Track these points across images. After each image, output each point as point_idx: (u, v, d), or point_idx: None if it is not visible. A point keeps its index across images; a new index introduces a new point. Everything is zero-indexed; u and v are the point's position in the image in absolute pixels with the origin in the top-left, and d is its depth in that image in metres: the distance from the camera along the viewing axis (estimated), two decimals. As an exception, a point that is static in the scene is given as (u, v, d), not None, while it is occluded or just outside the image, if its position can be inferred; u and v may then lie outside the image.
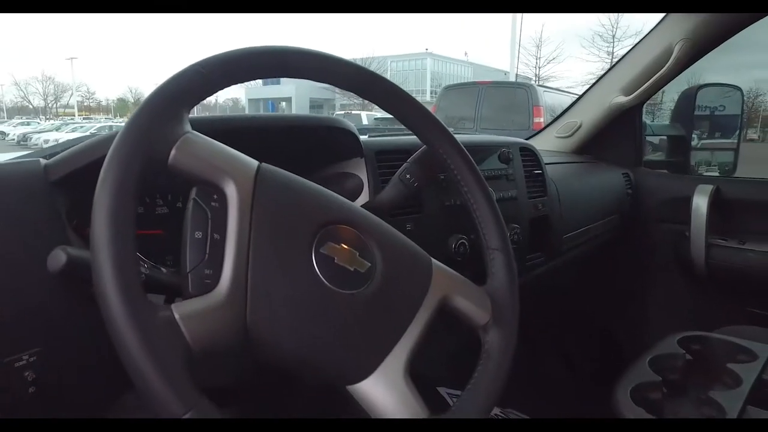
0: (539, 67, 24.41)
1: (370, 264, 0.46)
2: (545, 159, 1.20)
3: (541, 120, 5.56)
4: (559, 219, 1.06)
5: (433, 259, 0.53)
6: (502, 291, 0.55)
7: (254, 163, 0.45)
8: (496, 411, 1.27)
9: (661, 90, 1.44)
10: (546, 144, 1.54)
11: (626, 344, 0.77)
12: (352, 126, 0.71)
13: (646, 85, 1.36)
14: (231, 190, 0.41)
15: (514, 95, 6.16)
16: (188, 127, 0.42)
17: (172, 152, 0.39)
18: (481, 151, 0.92)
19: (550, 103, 5.97)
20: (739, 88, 1.69)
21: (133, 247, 0.36)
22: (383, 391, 0.43)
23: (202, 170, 0.41)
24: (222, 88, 0.45)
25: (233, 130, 0.58)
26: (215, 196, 0.41)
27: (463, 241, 0.82)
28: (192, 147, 0.41)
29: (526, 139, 1.59)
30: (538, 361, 1.39)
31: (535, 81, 22.01)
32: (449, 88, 7.24)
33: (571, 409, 0.99)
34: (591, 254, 1.28)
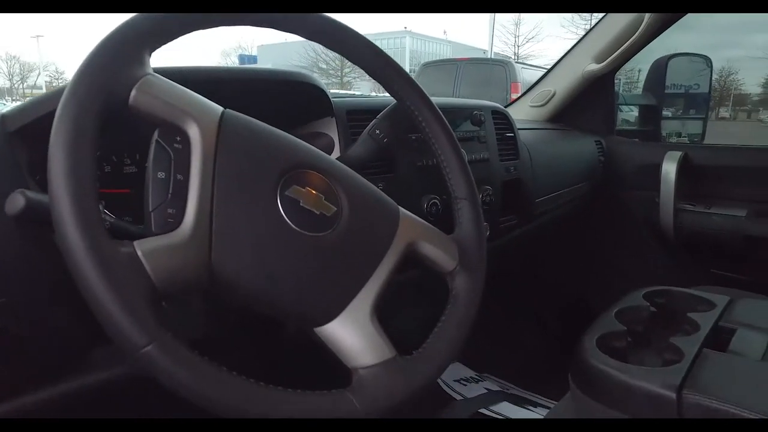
0: (518, 46, 24.42)
1: (336, 208, 0.46)
2: (519, 125, 1.21)
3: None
4: (532, 182, 1.08)
5: (401, 208, 0.53)
6: (469, 239, 0.56)
7: (218, 108, 0.44)
8: (472, 374, 1.30)
9: (633, 59, 1.46)
10: (521, 113, 1.55)
11: (596, 303, 0.80)
12: (321, 82, 0.71)
13: (617, 52, 1.37)
14: (194, 133, 0.41)
15: (492, 72, 6.17)
16: (150, 70, 0.41)
17: (133, 92, 0.39)
18: (453, 112, 0.92)
19: (528, 79, 5.97)
20: (707, 58, 1.71)
21: (93, 183, 0.35)
22: (350, 332, 0.44)
23: (163, 112, 0.40)
24: (186, 32, 0.44)
25: (197, 82, 0.57)
26: (178, 138, 0.41)
27: (435, 201, 0.83)
28: (153, 88, 0.40)
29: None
30: (512, 324, 1.42)
31: (514, 59, 21.99)
32: (428, 65, 7.21)
33: (544, 368, 1.02)
34: (563, 219, 1.30)
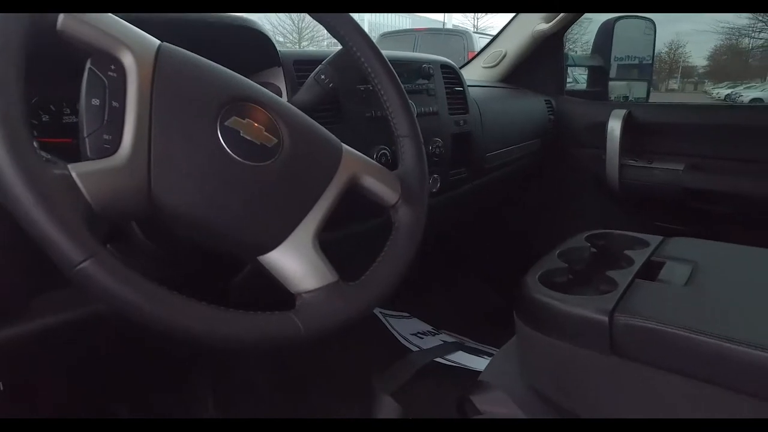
0: (477, 18, 24.39)
1: (276, 140, 0.47)
2: (471, 82, 1.23)
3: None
4: (481, 137, 1.10)
5: (344, 145, 0.54)
6: (411, 173, 0.58)
7: (155, 40, 0.44)
8: (429, 329, 1.33)
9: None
10: (473, 74, 1.56)
11: (542, 251, 0.84)
12: (265, 29, 0.70)
13: (563, 13, 1.40)
14: (129, 62, 0.40)
15: (449, 42, 6.17)
16: None
17: (61, 17, 0.38)
18: (402, 65, 0.93)
19: (486, 48, 6.01)
20: (652, 21, 1.77)
21: (22, 104, 0.34)
22: (293, 259, 0.45)
23: (96, 38, 0.39)
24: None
25: (134, 23, 0.56)
26: (112, 67, 0.40)
27: (384, 151, 0.84)
28: (84, 15, 0.39)
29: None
30: (467, 279, 1.46)
31: (473, 30, 21.98)
32: (386, 36, 7.15)
33: (497, 322, 1.05)
34: (515, 175, 1.33)
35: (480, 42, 6.05)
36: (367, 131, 0.83)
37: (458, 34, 6.55)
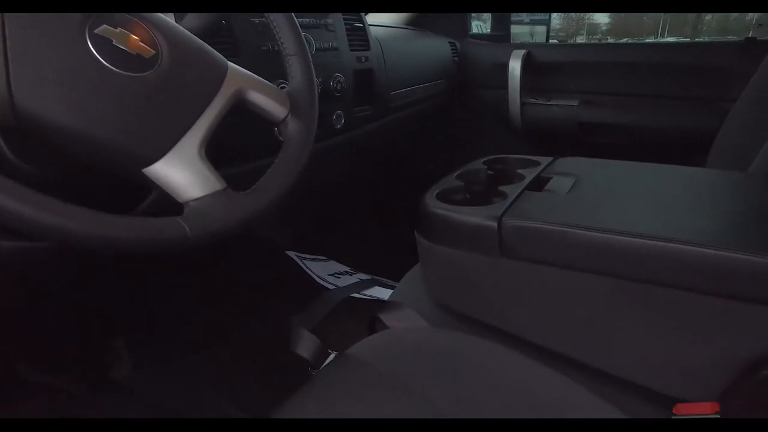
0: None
1: (155, 52, 0.45)
2: (375, 21, 1.23)
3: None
4: (384, 74, 1.10)
5: (231, 63, 0.53)
6: (300, 89, 0.58)
7: None
8: (346, 269, 1.35)
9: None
10: (378, 17, 1.56)
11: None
12: None
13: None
14: None
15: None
16: None
17: None
18: None
19: None
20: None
21: None
22: (179, 169, 0.45)
23: None
24: None
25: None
26: None
27: (283, 85, 0.83)
28: None
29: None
30: (381, 218, 1.49)
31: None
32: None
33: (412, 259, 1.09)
34: (420, 115, 1.36)
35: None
36: (264, 65, 0.81)
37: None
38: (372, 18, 1.49)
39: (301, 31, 0.61)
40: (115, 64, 0.42)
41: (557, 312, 0.63)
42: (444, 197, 0.73)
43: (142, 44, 0.45)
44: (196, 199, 0.45)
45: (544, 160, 0.86)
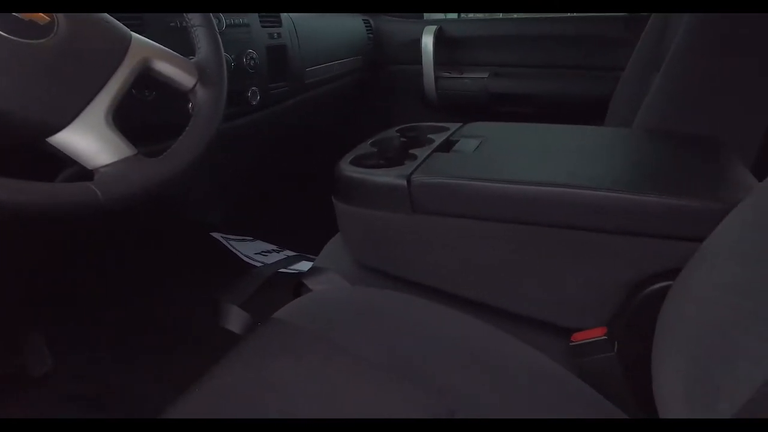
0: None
1: (49, 19, 0.45)
2: None
3: None
4: (298, 51, 1.12)
5: (136, 33, 0.54)
6: (207, 59, 0.59)
7: None
8: (273, 247, 1.36)
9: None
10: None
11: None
12: None
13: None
14: None
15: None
16: None
17: None
18: None
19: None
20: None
21: None
22: (86, 136, 0.45)
23: None
24: None
25: None
26: None
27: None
28: None
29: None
30: (307, 194, 1.50)
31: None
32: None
33: (308, 225, 1.11)
34: (337, 91, 1.38)
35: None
36: (174, 41, 0.80)
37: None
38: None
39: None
40: (6, 30, 0.42)
41: (467, 260, 0.69)
42: (358, 162, 0.76)
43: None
44: (107, 165, 0.45)
45: (454, 126, 0.92)
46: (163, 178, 0.48)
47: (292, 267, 1.18)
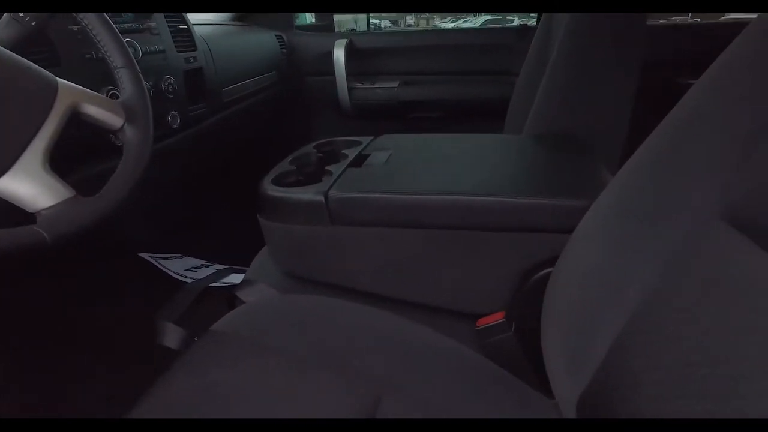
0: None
1: None
2: (199, 20, 1.26)
3: None
4: (214, 72, 1.16)
5: (61, 79, 0.57)
6: (132, 99, 0.63)
7: None
8: (202, 262, 1.39)
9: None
10: (204, 15, 1.58)
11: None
12: None
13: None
14: None
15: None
16: None
17: None
18: None
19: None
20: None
21: None
22: (25, 182, 0.49)
23: None
24: None
25: None
26: None
27: (114, 92, 0.85)
28: None
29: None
30: (227, 209, 1.54)
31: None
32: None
33: (235, 238, 1.15)
34: (255, 107, 1.43)
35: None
36: (91, 73, 0.83)
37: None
38: (196, 17, 1.51)
39: (124, 42, 0.65)
40: None
41: (382, 263, 0.78)
42: (279, 181, 0.83)
43: None
44: (48, 208, 0.49)
45: (366, 139, 1.00)
46: (101, 216, 0.53)
47: (222, 280, 1.22)
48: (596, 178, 0.75)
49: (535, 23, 1.60)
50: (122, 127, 0.61)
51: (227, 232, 1.51)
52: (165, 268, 1.27)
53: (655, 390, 0.37)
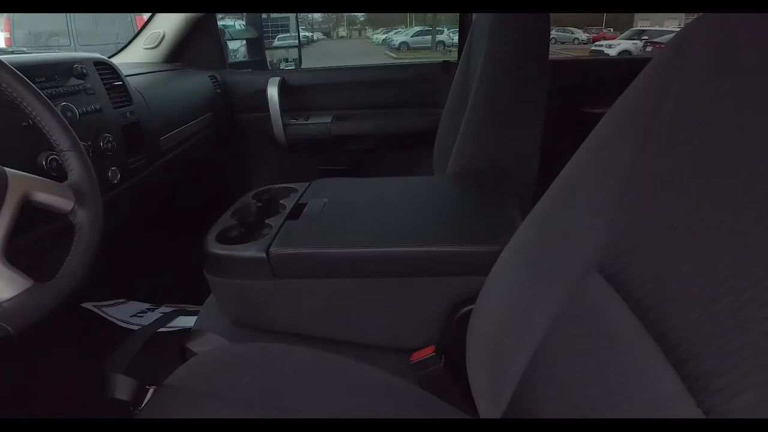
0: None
1: None
2: (132, 70, 1.29)
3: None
4: (151, 124, 1.19)
5: (6, 168, 0.60)
6: (81, 181, 0.67)
7: None
8: (147, 306, 1.41)
9: None
10: (135, 56, 1.60)
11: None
12: None
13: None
14: None
15: (111, 5, 5.66)
16: None
17: None
18: (51, 68, 0.95)
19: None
20: None
21: None
22: None
23: None
24: None
25: None
26: None
27: (53, 156, 0.87)
28: None
29: (116, 53, 1.62)
30: (171, 252, 1.56)
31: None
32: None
33: (180, 277, 1.19)
34: (193, 150, 1.47)
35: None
36: (28, 139, 0.85)
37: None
38: (130, 56, 1.53)
39: (68, 125, 0.69)
40: None
41: (322, 309, 0.85)
42: (222, 236, 0.88)
43: None
44: (8, 300, 0.53)
45: (301, 186, 1.07)
46: (60, 299, 0.57)
47: (170, 324, 1.25)
48: (508, 224, 0.85)
49: (456, 59, 1.73)
50: (73, 209, 0.64)
51: (174, 271, 1.52)
52: (109, 316, 1.29)
53: (554, 409, 0.46)
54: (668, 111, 0.42)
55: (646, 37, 13.70)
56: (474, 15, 1.66)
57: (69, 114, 0.92)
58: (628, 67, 1.70)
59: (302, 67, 2.04)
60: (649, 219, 0.43)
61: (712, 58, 0.40)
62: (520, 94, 1.12)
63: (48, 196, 0.62)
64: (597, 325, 0.44)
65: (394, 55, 18.11)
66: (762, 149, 0.33)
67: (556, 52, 16.66)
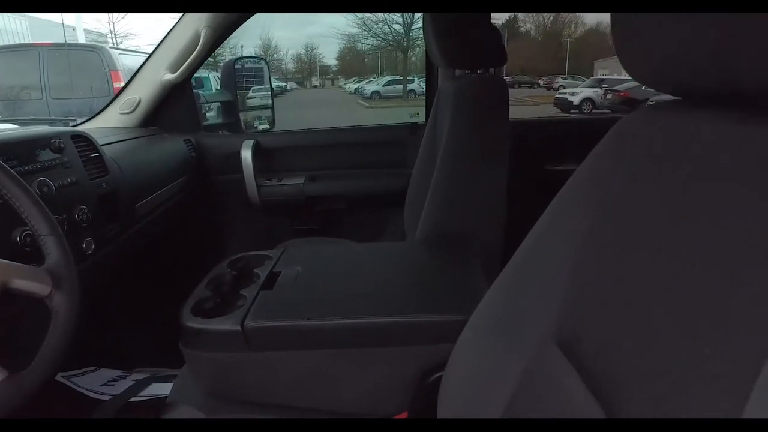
0: (114, 23, 22.52)
1: None
2: (107, 138, 1.32)
3: (122, 84, 5.36)
4: (127, 192, 1.22)
5: None
6: (58, 265, 0.68)
7: None
8: (118, 373, 1.39)
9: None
10: (111, 121, 1.63)
11: (206, 273, 1.03)
12: None
13: (185, 64, 1.60)
14: None
15: (86, 59, 5.67)
16: None
17: None
18: (29, 143, 0.97)
19: (130, 65, 5.73)
20: (264, 58, 2.14)
21: None
22: None
23: None
24: None
25: None
26: None
27: (27, 232, 0.88)
28: None
29: (90, 119, 1.65)
30: (146, 317, 1.56)
31: (112, 38, 20.41)
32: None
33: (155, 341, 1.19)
34: (168, 214, 1.49)
35: (123, 59, 5.75)
36: (2, 217, 0.86)
37: (94, 50, 6.04)
38: (106, 121, 1.56)
39: (47, 210, 0.71)
40: None
41: (296, 379, 0.86)
42: (198, 309, 0.90)
43: None
44: None
45: (275, 253, 1.10)
46: (37, 386, 0.58)
47: (142, 393, 1.23)
48: (475, 292, 0.90)
49: (424, 121, 1.81)
50: (50, 293, 0.66)
51: (149, 335, 1.51)
52: (79, 387, 1.26)
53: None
54: (617, 189, 0.47)
55: (606, 85, 14.37)
56: (439, 77, 1.76)
57: (45, 189, 0.94)
58: (589, 126, 1.81)
59: (275, 123, 2.10)
60: (595, 296, 0.47)
61: (645, 147, 0.45)
62: (485, 155, 1.19)
63: (26, 282, 0.64)
64: (554, 401, 0.48)
65: (366, 104, 18.52)
66: (684, 224, 0.37)
67: (521, 98, 17.30)
